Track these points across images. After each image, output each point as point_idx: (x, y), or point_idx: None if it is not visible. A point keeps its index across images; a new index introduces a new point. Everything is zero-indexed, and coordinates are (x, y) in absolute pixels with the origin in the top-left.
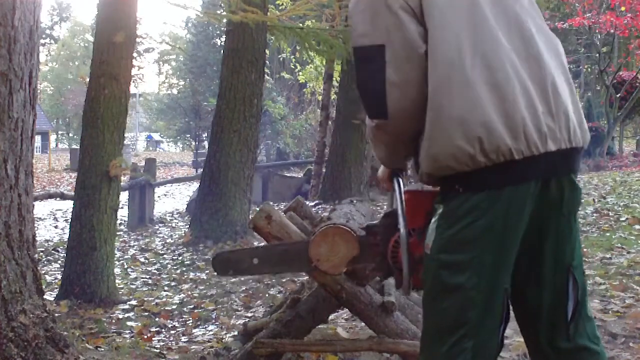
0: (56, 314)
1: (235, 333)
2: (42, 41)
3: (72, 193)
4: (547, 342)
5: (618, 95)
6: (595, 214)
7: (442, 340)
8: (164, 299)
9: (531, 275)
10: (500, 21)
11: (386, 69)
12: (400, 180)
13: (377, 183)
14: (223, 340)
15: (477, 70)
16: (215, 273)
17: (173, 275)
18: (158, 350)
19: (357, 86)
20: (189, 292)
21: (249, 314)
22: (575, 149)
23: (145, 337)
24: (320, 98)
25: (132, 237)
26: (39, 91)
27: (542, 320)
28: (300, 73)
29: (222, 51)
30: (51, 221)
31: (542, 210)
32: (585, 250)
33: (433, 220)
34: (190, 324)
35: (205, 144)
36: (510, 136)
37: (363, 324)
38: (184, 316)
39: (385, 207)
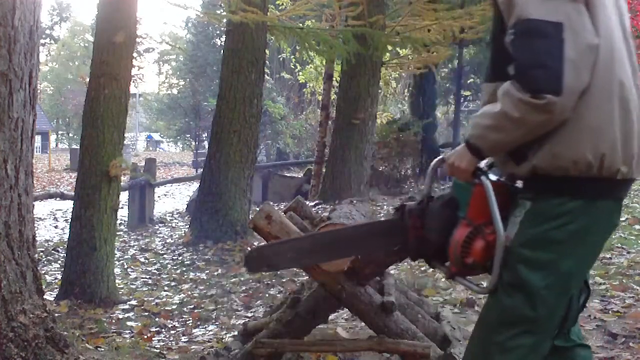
0: (56, 314)
1: (235, 333)
2: (42, 41)
3: (72, 193)
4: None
5: None
6: None
7: (500, 331)
8: (164, 299)
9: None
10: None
11: (564, 47)
12: (488, 178)
13: (426, 173)
14: (223, 340)
15: (616, 85)
16: (248, 270)
17: (173, 275)
18: (158, 350)
19: (523, 59)
20: (189, 292)
21: (249, 314)
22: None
23: (145, 337)
24: (320, 98)
25: (132, 237)
26: (39, 91)
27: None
28: (300, 73)
29: (222, 51)
30: (51, 221)
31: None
32: None
33: (515, 215)
34: (190, 324)
35: (205, 144)
36: (623, 159)
37: (363, 324)
38: (184, 316)
39: (385, 206)
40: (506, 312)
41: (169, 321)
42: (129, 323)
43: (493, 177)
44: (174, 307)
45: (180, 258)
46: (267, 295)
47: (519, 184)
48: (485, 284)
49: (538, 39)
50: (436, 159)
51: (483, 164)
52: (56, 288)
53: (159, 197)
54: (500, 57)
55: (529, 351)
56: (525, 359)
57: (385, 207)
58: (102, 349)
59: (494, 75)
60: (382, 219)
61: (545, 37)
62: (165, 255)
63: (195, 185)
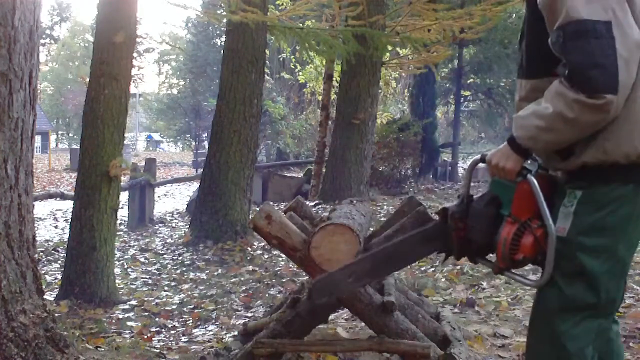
0: (56, 314)
1: (235, 333)
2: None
3: (72, 193)
4: None
5: None
6: None
7: (564, 319)
8: (164, 299)
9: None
10: None
11: (616, 45)
12: (533, 175)
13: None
14: (223, 340)
15: None
16: (313, 300)
17: (173, 275)
18: (158, 350)
19: (577, 61)
20: (189, 292)
21: (249, 314)
22: None
23: (145, 337)
24: (320, 98)
25: (132, 237)
26: (39, 91)
27: None
28: (300, 73)
29: (222, 51)
30: (51, 221)
31: None
32: None
33: (565, 205)
34: (190, 324)
35: (205, 144)
36: None
37: (363, 324)
38: (184, 316)
39: (385, 206)
40: (568, 300)
41: (169, 321)
42: (129, 323)
43: (533, 169)
44: (174, 307)
45: (180, 258)
46: (267, 295)
47: (559, 173)
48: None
49: (591, 39)
50: (473, 160)
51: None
52: (56, 288)
53: (159, 197)
54: (539, 55)
55: (595, 335)
56: (594, 343)
57: (385, 207)
58: (102, 349)
59: (531, 72)
60: (426, 226)
61: (598, 37)
62: (165, 255)
63: (195, 185)
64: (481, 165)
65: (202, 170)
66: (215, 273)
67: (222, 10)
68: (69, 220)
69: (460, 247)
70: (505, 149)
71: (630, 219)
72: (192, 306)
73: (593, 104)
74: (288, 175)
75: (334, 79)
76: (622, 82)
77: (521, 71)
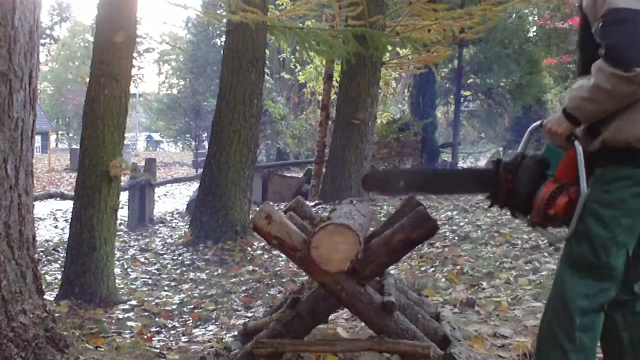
0: (56, 314)
1: (235, 333)
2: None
3: (72, 193)
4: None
5: None
6: None
7: (570, 272)
8: (164, 299)
9: None
10: None
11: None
12: (579, 143)
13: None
14: (223, 340)
15: None
16: (364, 188)
17: (173, 275)
18: (158, 350)
19: (614, 41)
20: (189, 292)
21: (249, 314)
22: None
23: (145, 337)
24: (320, 98)
25: (132, 237)
26: (39, 91)
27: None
28: (300, 73)
29: (222, 51)
30: (51, 221)
31: None
32: None
33: (592, 178)
34: (190, 324)
35: (205, 144)
36: None
37: (363, 324)
38: (184, 316)
39: (385, 206)
40: (575, 258)
41: (169, 321)
42: (129, 323)
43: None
44: (174, 307)
45: (180, 258)
46: (267, 295)
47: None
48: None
49: (627, 24)
50: (534, 123)
51: (578, 130)
52: (56, 288)
53: (159, 197)
54: (589, 53)
55: (598, 296)
56: (594, 298)
57: (385, 207)
58: (102, 349)
59: (585, 70)
60: (481, 169)
61: (632, 23)
62: (165, 255)
63: (195, 185)
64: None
65: (202, 170)
66: (215, 273)
67: (222, 10)
68: (69, 220)
69: (505, 197)
70: (559, 117)
71: (637, 198)
72: (192, 306)
73: (627, 77)
74: (288, 175)
75: (334, 79)
76: None
77: (578, 71)
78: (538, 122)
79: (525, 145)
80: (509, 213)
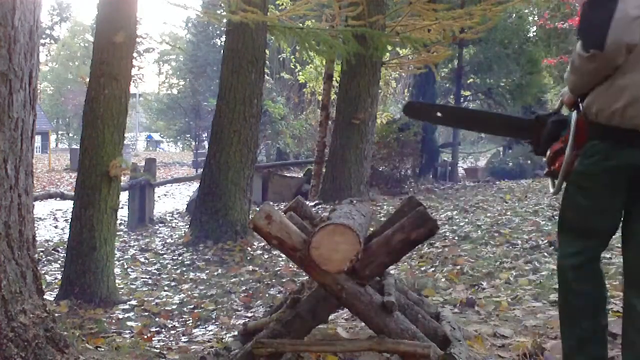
0: (56, 314)
1: (235, 333)
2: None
3: (72, 193)
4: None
5: None
6: None
7: (562, 234)
8: (164, 299)
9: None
10: None
11: (614, 15)
12: (577, 112)
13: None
14: (223, 340)
15: None
16: (405, 114)
17: (173, 275)
18: (158, 350)
19: (582, 25)
20: (189, 292)
21: (249, 314)
22: None
23: (145, 337)
24: (320, 98)
25: (132, 237)
26: (39, 91)
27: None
28: (300, 73)
29: (222, 51)
30: (51, 221)
31: None
32: None
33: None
34: (190, 324)
35: (205, 144)
36: None
37: (363, 324)
38: (184, 316)
39: (385, 206)
40: (565, 222)
41: (169, 321)
42: (129, 323)
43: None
44: (174, 307)
45: (180, 258)
46: (267, 295)
47: None
48: None
49: (596, 8)
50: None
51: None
52: (56, 288)
53: (159, 197)
54: None
55: (579, 253)
56: (581, 255)
57: (385, 207)
58: (102, 349)
59: None
60: (521, 117)
61: (601, 6)
62: (165, 255)
63: (195, 185)
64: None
65: (202, 170)
66: (215, 273)
67: (222, 10)
68: (69, 220)
69: (536, 145)
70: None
71: (611, 171)
72: (192, 306)
73: (586, 56)
74: (288, 175)
75: (334, 79)
76: (609, 43)
77: None
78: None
79: (561, 105)
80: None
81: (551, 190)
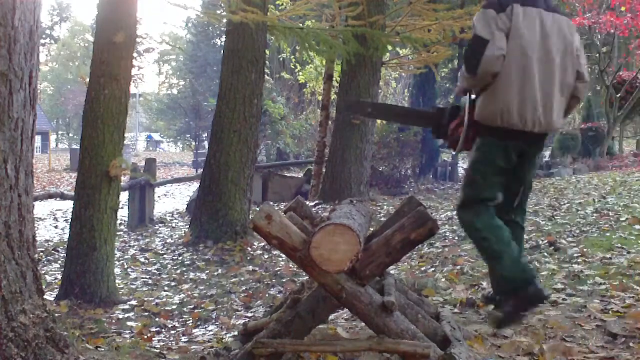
0: (56, 314)
1: (235, 333)
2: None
3: (72, 193)
4: (505, 211)
5: (618, 95)
6: (595, 214)
7: (464, 204)
8: (164, 299)
9: (518, 178)
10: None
11: (485, 51)
12: (469, 96)
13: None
14: (223, 340)
15: (518, 75)
16: (345, 110)
17: (173, 275)
18: (158, 350)
19: (466, 54)
20: (189, 292)
21: (249, 314)
22: (544, 134)
23: (145, 337)
24: (320, 98)
25: (132, 237)
26: (39, 91)
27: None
28: (300, 73)
29: (222, 51)
30: (51, 221)
31: (525, 156)
32: (585, 250)
33: (476, 142)
34: (190, 324)
35: (205, 144)
36: (518, 118)
37: (363, 324)
38: (184, 316)
39: (385, 206)
40: (466, 195)
41: (169, 321)
42: (129, 323)
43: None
44: (174, 307)
45: (180, 258)
46: (267, 295)
47: None
48: None
49: (474, 45)
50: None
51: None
52: (56, 288)
53: (159, 197)
54: None
55: (480, 212)
56: (483, 218)
57: (385, 207)
58: (102, 349)
59: None
60: (426, 109)
61: (478, 44)
62: (165, 255)
63: (195, 185)
64: None
65: (202, 170)
66: (215, 273)
67: (222, 10)
68: (69, 220)
69: (436, 129)
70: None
71: (496, 158)
72: (192, 306)
73: (465, 76)
74: (288, 175)
75: (334, 79)
76: (480, 71)
77: None
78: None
79: (459, 94)
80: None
81: (453, 152)
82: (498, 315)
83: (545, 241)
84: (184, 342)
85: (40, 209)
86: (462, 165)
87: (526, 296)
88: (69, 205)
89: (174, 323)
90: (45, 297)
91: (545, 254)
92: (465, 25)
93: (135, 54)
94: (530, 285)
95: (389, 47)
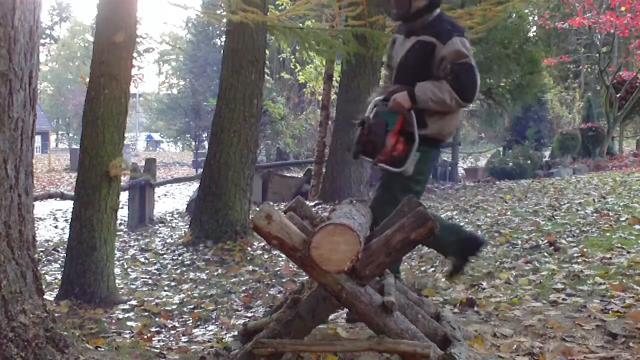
0: (56, 314)
1: (235, 333)
2: (42, 41)
3: (72, 193)
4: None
5: (618, 95)
6: (595, 214)
7: (402, 194)
8: (164, 299)
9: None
10: None
11: (478, 81)
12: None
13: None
14: (223, 340)
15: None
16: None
17: (173, 275)
18: (158, 350)
19: (468, 84)
20: (189, 292)
21: (249, 314)
22: None
23: (145, 337)
24: (320, 98)
25: (132, 237)
26: (39, 91)
27: None
28: (300, 73)
29: (222, 51)
30: (51, 221)
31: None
32: (585, 250)
33: (415, 154)
34: (190, 324)
35: (205, 144)
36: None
37: (363, 324)
38: (184, 316)
39: None
40: (407, 186)
41: (169, 321)
42: (129, 323)
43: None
44: (174, 307)
45: (180, 258)
46: (267, 295)
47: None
48: None
49: (472, 76)
50: (377, 97)
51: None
52: (56, 288)
53: (159, 197)
54: (410, 70)
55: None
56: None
57: None
58: (102, 349)
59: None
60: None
61: (474, 74)
62: (165, 255)
63: (195, 185)
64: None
65: (202, 170)
66: (215, 273)
67: (222, 10)
68: (69, 220)
69: (360, 145)
70: (407, 96)
71: (431, 166)
72: (192, 306)
73: (460, 102)
74: (288, 175)
75: (334, 79)
76: (474, 99)
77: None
78: (381, 97)
79: (371, 112)
80: (353, 156)
81: (392, 169)
82: (450, 269)
83: (545, 241)
84: (184, 342)
85: (40, 209)
86: (462, 165)
87: (464, 239)
88: (69, 205)
89: (174, 323)
90: (45, 297)
91: (545, 254)
92: (466, 25)
93: (135, 54)
94: (464, 233)
95: None
